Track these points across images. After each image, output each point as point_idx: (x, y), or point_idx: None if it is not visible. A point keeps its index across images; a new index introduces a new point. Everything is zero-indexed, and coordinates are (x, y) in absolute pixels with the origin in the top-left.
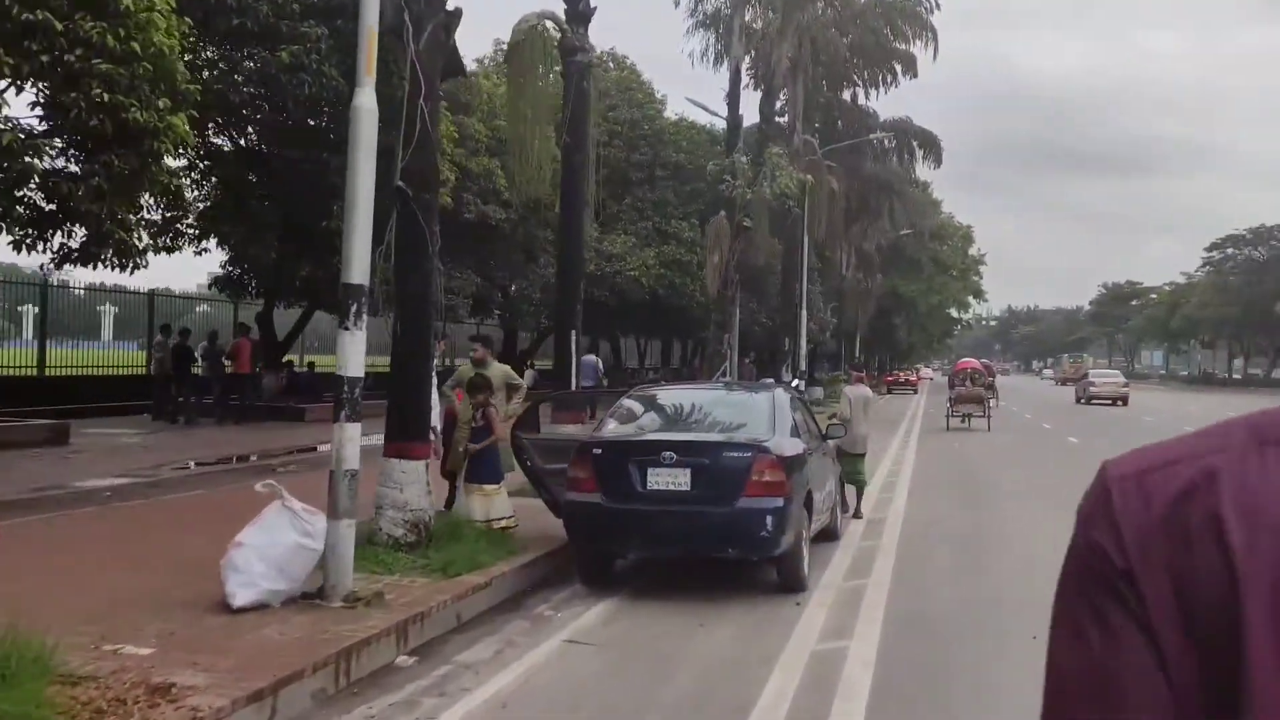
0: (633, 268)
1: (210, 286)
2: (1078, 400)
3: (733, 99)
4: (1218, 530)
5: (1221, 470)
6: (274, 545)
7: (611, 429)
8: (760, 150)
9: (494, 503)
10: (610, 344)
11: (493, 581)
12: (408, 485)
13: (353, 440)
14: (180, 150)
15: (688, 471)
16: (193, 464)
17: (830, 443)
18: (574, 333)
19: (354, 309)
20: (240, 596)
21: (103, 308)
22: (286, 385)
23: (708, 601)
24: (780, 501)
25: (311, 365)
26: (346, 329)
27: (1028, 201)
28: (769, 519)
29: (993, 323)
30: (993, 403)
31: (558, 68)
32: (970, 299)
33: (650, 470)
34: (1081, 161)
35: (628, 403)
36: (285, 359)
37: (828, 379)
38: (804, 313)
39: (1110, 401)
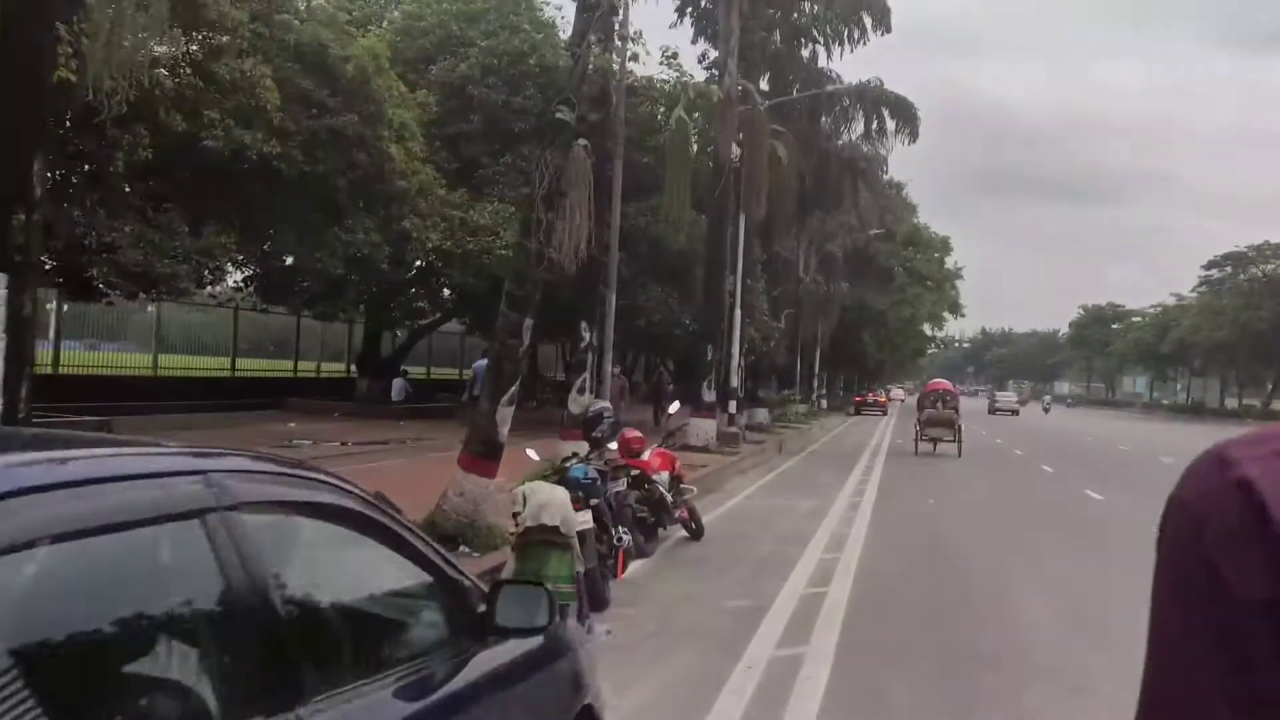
0: (506, 245)
1: None
2: (990, 412)
3: None
4: None
5: None
6: None
7: None
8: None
9: None
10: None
11: None
12: None
13: None
14: None
15: None
16: None
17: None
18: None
19: None
20: None
21: None
22: None
23: None
24: None
25: None
26: None
27: (990, 226)
28: None
29: (966, 344)
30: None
31: None
32: (946, 314)
33: None
34: (1041, 188)
35: None
36: None
37: (775, 398)
38: (738, 313)
39: (1010, 412)
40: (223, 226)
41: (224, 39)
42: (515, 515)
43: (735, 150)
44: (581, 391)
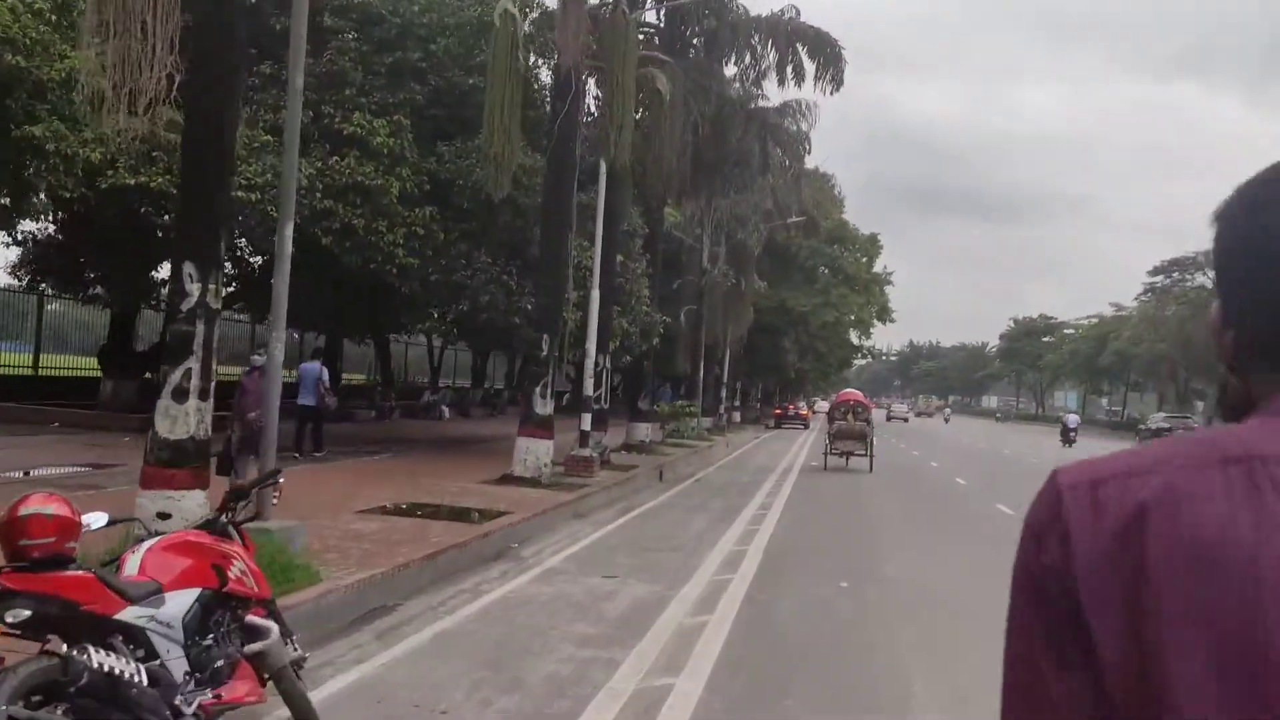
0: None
1: None
2: (887, 419)
3: None
4: (1170, 561)
5: (1179, 488)
6: None
7: None
8: None
9: None
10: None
11: None
12: None
13: None
14: None
15: None
16: None
17: None
18: None
19: None
20: None
21: None
22: None
23: None
24: None
25: None
26: None
27: (914, 243)
28: None
29: (894, 357)
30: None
31: None
32: (875, 320)
33: None
34: (963, 206)
35: None
36: None
37: (667, 409)
38: (595, 295)
39: (903, 419)
40: None
41: None
42: None
43: (588, 69)
44: (544, 396)
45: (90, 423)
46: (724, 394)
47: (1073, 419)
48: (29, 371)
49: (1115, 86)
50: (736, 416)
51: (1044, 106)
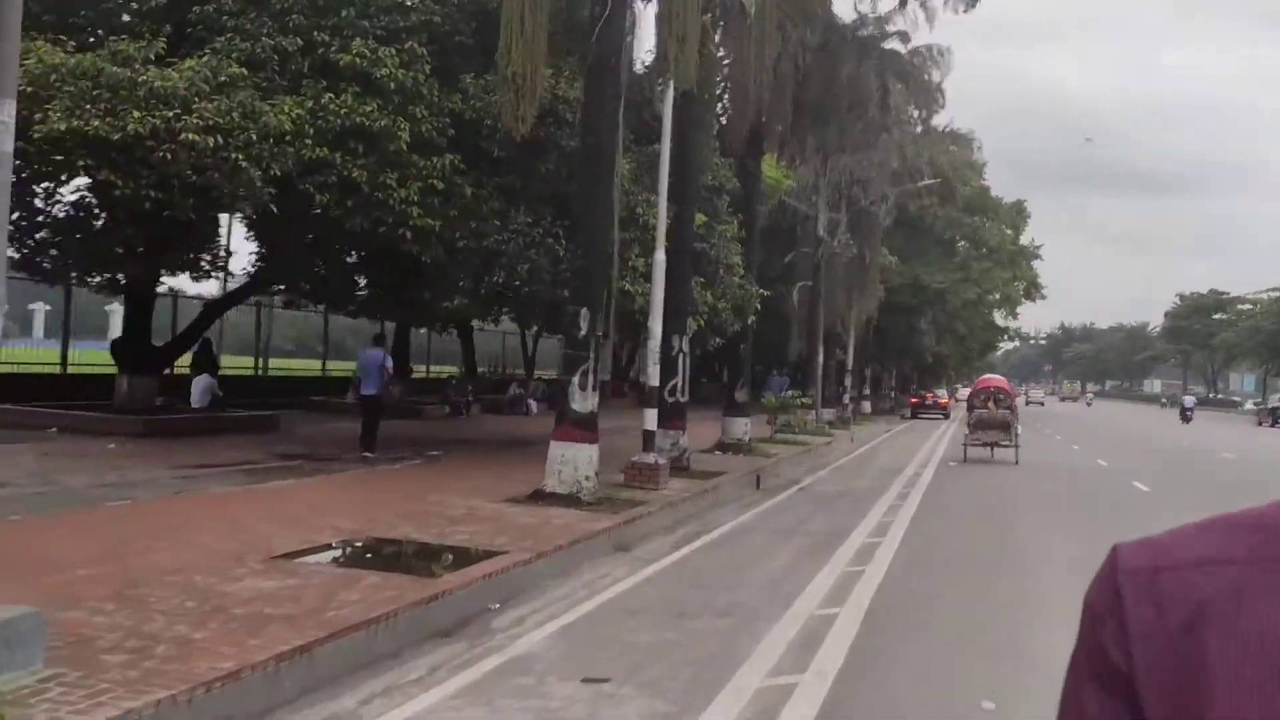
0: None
1: None
2: (1025, 404)
3: None
4: (1237, 667)
5: (1248, 585)
6: None
7: None
8: None
9: None
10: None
11: None
12: None
13: None
14: None
15: None
16: None
17: None
18: None
19: None
20: None
21: None
22: None
23: None
24: None
25: None
26: None
27: (1055, 222)
28: None
29: (1043, 340)
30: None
31: None
32: (1021, 296)
33: None
34: (1111, 181)
35: None
36: None
37: (776, 401)
38: (659, 257)
39: (1039, 403)
40: None
41: None
42: None
43: None
44: (583, 387)
45: (93, 427)
46: (848, 382)
47: (1189, 400)
48: (55, 369)
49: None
50: (866, 407)
51: (1196, 69)
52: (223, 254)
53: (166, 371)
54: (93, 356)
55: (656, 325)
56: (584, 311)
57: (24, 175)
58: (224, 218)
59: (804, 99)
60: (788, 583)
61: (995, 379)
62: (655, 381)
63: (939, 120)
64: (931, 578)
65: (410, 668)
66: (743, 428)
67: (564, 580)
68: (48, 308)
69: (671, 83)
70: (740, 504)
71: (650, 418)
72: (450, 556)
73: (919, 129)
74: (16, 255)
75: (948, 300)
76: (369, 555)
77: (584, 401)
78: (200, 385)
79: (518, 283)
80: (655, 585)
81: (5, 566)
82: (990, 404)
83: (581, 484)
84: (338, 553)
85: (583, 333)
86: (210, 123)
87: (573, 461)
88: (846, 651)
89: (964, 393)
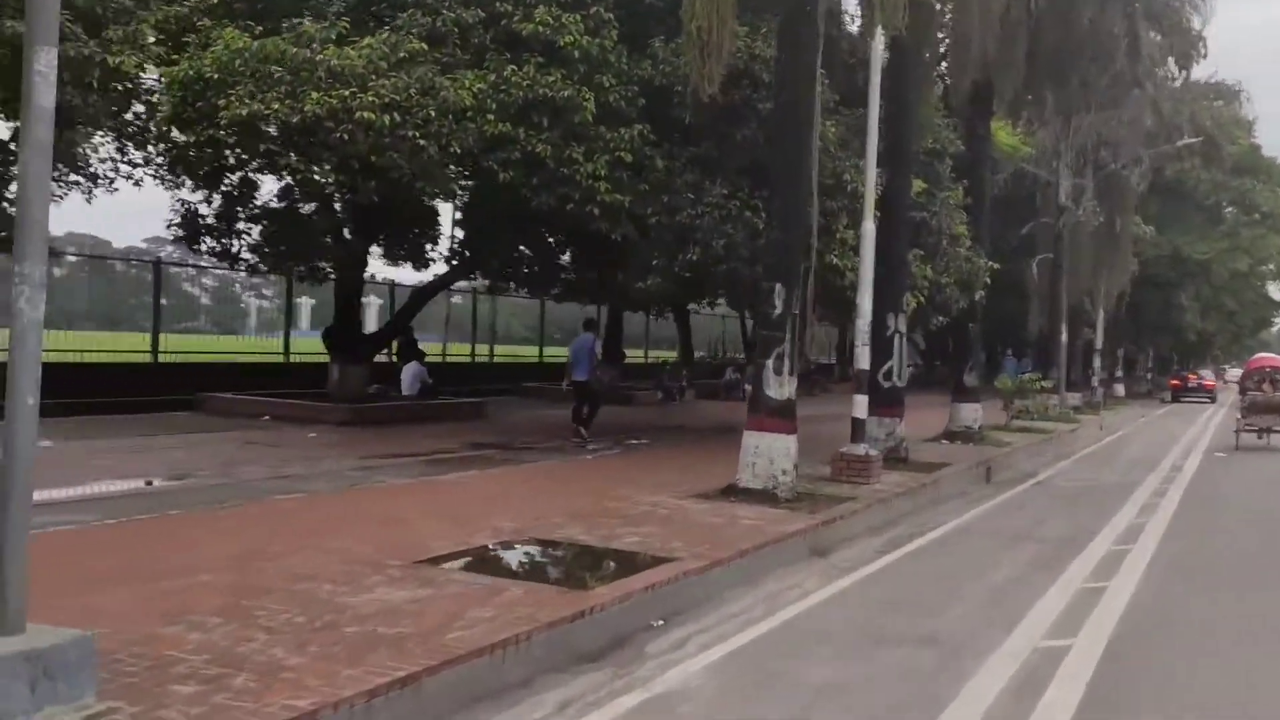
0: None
1: None
2: None
3: None
4: None
5: None
6: None
7: None
8: None
9: None
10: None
11: None
12: None
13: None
14: None
15: None
16: None
17: None
18: None
19: None
20: None
21: None
22: None
23: None
24: None
25: None
26: None
27: None
28: None
29: None
30: None
31: None
32: None
33: None
34: None
35: None
36: None
37: (1013, 385)
38: (868, 227)
39: None
40: None
41: None
42: None
43: None
44: (779, 372)
45: (305, 414)
46: (1097, 363)
47: None
48: (279, 358)
49: None
50: (1118, 390)
51: None
52: (445, 240)
53: (383, 356)
54: (304, 345)
55: (866, 302)
56: (778, 288)
57: (216, 164)
58: (445, 206)
59: (1038, 50)
60: (1009, 602)
61: (1272, 358)
62: (865, 364)
63: (1199, 72)
64: (1195, 600)
65: (537, 703)
66: (972, 414)
67: (743, 592)
68: (313, 302)
69: (879, 29)
70: (964, 500)
71: (860, 404)
72: (612, 564)
73: (1177, 83)
74: (216, 246)
75: (1213, 272)
76: (521, 561)
77: (780, 388)
78: (410, 373)
79: (713, 260)
80: (849, 601)
81: (126, 570)
82: (1266, 385)
83: (777, 479)
84: (488, 558)
85: (777, 311)
86: (387, 100)
87: (767, 454)
88: (1078, 702)
89: (1234, 374)
